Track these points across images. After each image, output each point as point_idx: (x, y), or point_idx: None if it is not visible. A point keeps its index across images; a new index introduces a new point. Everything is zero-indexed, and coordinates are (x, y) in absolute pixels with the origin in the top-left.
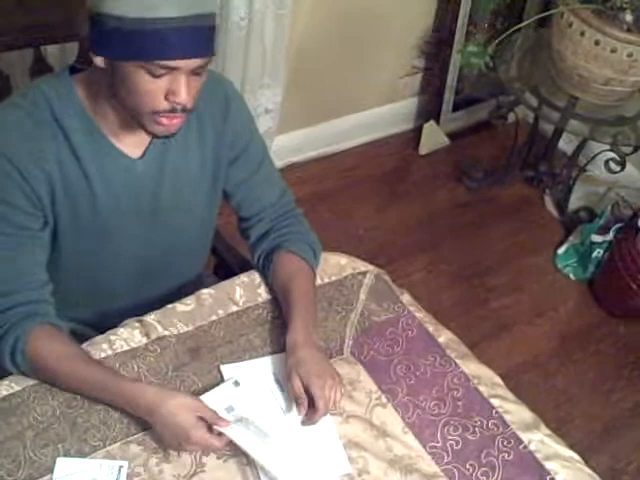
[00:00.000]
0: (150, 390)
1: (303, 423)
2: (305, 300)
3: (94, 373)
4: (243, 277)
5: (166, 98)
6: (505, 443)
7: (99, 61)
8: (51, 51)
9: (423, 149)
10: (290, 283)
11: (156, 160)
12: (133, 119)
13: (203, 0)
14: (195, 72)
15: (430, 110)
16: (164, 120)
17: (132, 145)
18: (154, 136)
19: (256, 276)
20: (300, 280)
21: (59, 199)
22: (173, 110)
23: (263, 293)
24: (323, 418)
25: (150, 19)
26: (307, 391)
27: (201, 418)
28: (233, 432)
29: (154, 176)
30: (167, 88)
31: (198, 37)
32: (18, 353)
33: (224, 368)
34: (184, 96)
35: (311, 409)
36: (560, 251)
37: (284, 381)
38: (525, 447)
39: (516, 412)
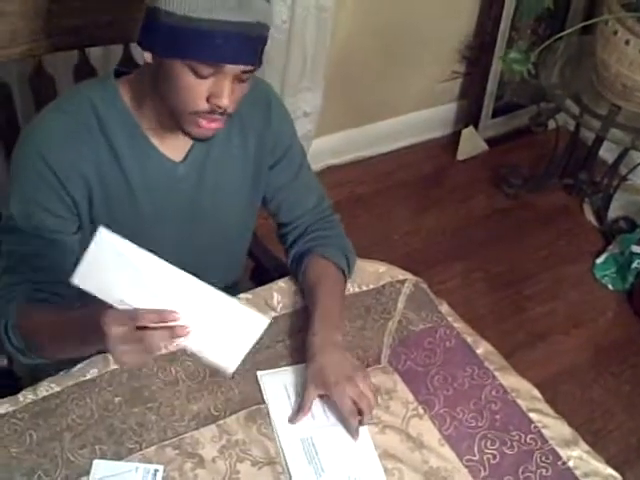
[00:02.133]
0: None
1: (352, 437)
2: (329, 301)
3: (68, 312)
4: (280, 282)
5: (207, 100)
6: (543, 459)
7: (147, 56)
8: (95, 53)
9: (461, 155)
10: (316, 285)
11: (197, 163)
12: (172, 119)
13: (257, 9)
14: (240, 78)
15: (469, 115)
16: (203, 122)
17: (174, 148)
18: (191, 138)
19: (293, 282)
20: (326, 283)
21: (97, 203)
22: (212, 112)
23: (300, 299)
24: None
25: (201, 19)
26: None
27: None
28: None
29: (195, 179)
30: (210, 90)
31: (248, 44)
32: (10, 329)
33: (260, 374)
34: (226, 100)
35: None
36: (599, 261)
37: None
38: (564, 463)
39: (555, 427)
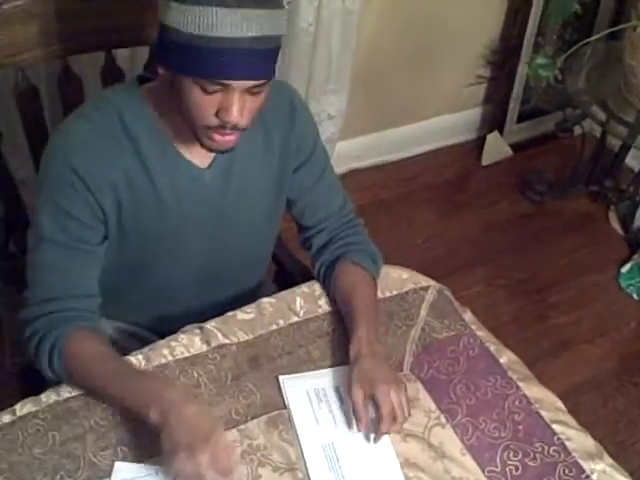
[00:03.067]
0: (176, 386)
1: (374, 440)
2: (368, 310)
3: (120, 367)
4: (304, 287)
5: (217, 114)
6: (566, 471)
7: (160, 69)
8: (121, 54)
9: (486, 160)
10: (352, 294)
11: (223, 170)
12: (190, 130)
13: (266, 23)
14: (251, 92)
15: (494, 120)
16: (216, 136)
17: (200, 155)
18: (208, 150)
19: (317, 287)
20: (362, 290)
21: (126, 210)
22: (223, 127)
23: (324, 304)
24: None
25: (206, 37)
26: (372, 400)
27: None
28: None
29: (220, 186)
30: (219, 105)
31: (255, 59)
32: (55, 354)
33: (282, 378)
34: (234, 115)
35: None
36: (624, 269)
37: (345, 394)
38: (587, 477)
39: (578, 439)
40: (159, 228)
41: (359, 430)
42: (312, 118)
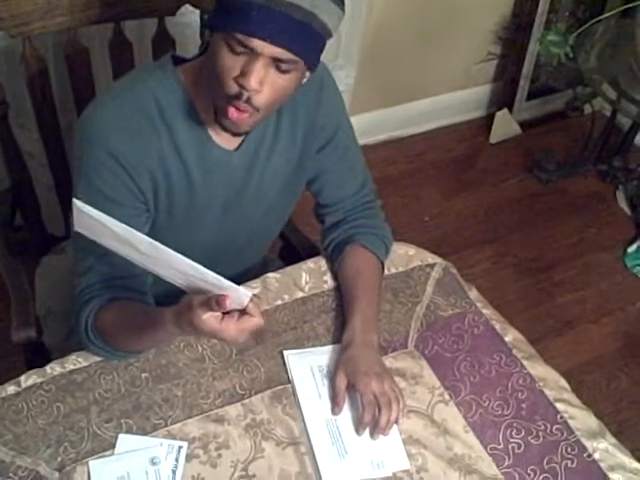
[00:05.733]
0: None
1: (357, 431)
2: (369, 296)
3: (139, 314)
4: (309, 263)
5: (236, 80)
6: (569, 450)
7: (207, 35)
8: (129, 25)
9: (494, 137)
10: (356, 277)
11: (249, 153)
12: (213, 106)
13: None
14: (277, 66)
15: (503, 98)
16: (230, 109)
17: (229, 137)
18: (223, 129)
19: (322, 262)
20: (367, 275)
21: (160, 195)
22: (239, 96)
23: (329, 280)
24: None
25: None
26: (354, 389)
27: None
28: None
29: (245, 169)
30: (241, 68)
31: (285, 25)
32: (89, 329)
33: (287, 353)
34: (252, 81)
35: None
36: (630, 249)
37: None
38: (589, 456)
39: (582, 418)
40: (186, 212)
41: (332, 412)
42: (339, 94)
